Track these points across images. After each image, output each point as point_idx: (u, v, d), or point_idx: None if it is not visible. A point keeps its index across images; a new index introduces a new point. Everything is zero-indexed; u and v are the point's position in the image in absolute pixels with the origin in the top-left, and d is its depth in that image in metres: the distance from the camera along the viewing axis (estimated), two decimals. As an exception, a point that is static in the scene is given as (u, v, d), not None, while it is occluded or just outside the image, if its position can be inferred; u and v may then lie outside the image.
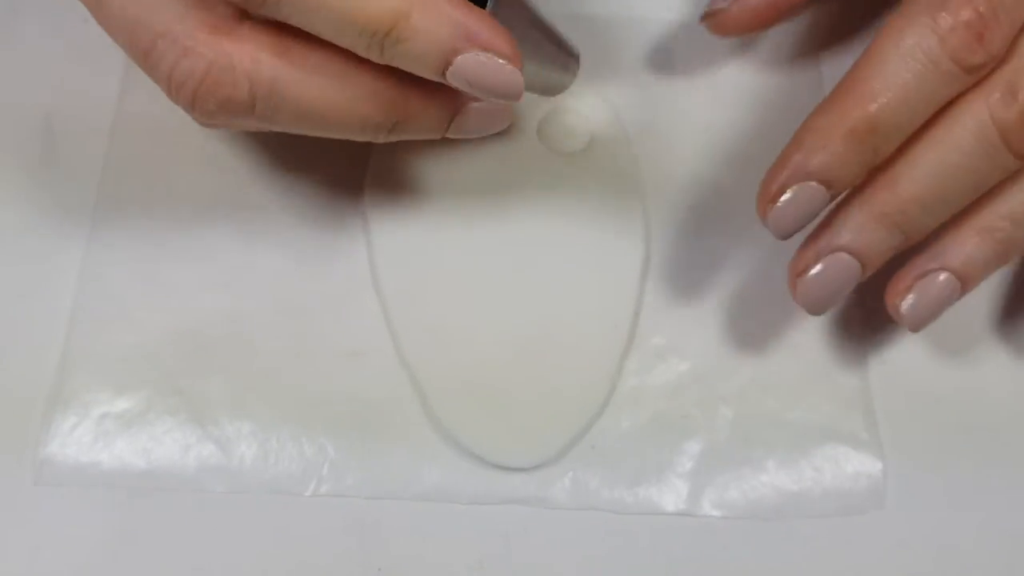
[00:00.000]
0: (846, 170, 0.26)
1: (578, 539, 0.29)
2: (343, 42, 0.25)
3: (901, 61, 0.26)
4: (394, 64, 0.26)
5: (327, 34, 0.25)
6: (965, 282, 0.27)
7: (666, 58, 0.35)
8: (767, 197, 0.27)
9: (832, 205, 0.27)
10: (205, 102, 0.26)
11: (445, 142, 0.31)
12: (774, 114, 0.34)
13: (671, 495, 0.29)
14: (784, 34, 0.36)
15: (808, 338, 0.31)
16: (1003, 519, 0.29)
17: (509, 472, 0.29)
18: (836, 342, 0.31)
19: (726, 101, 0.35)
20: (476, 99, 0.28)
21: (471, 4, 0.26)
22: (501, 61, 0.26)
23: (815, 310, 0.28)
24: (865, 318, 0.32)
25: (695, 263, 0.32)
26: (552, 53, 0.30)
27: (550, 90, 0.31)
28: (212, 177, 0.32)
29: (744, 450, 0.30)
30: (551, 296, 0.31)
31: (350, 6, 0.24)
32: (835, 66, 0.35)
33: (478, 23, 0.25)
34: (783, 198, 0.27)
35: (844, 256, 0.27)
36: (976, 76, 0.26)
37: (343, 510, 0.29)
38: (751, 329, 0.31)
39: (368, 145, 0.33)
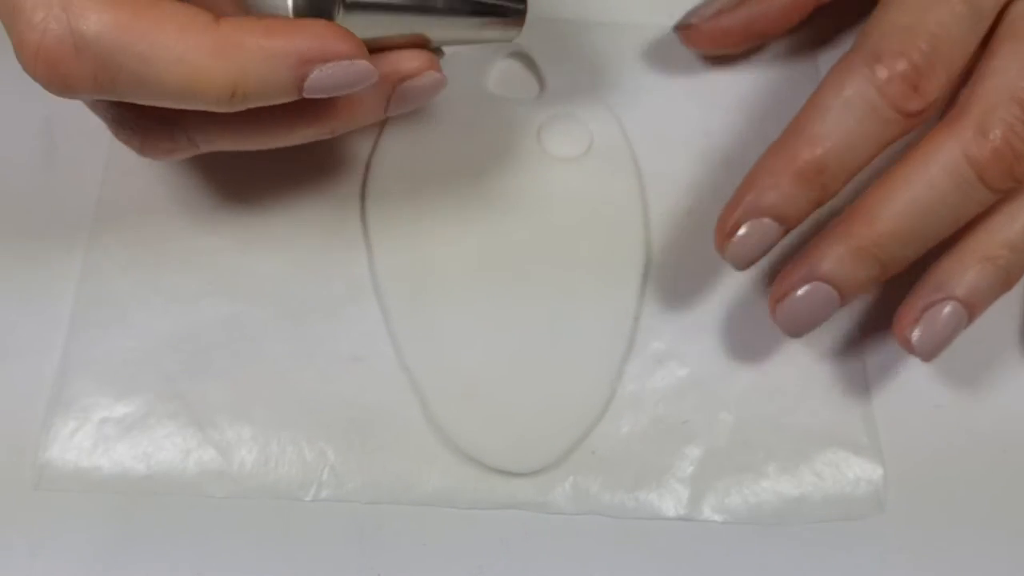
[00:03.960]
0: (796, 207, 0.28)
1: (578, 544, 0.29)
2: (202, 107, 0.25)
3: (844, 109, 0.27)
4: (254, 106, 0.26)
5: (183, 107, 0.25)
6: (971, 310, 0.28)
7: (666, 63, 0.35)
8: (724, 232, 0.29)
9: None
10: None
11: (447, 148, 0.32)
12: (774, 119, 0.34)
13: (671, 500, 0.29)
14: (783, 39, 0.36)
15: (808, 343, 0.31)
16: (1002, 524, 0.29)
17: (509, 477, 0.29)
18: (836, 347, 0.31)
19: (726, 106, 0.35)
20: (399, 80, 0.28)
21: (296, 22, 0.25)
22: (346, 63, 0.25)
23: (794, 332, 0.29)
24: (865, 323, 0.32)
25: (695, 268, 0.32)
26: (480, 8, 0.29)
27: (495, 39, 0.30)
28: (212, 182, 0.32)
29: (744, 455, 0.30)
30: (551, 301, 0.31)
31: (189, 91, 0.24)
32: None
33: (309, 43, 0.25)
34: (739, 233, 0.28)
35: (823, 285, 0.28)
36: (918, 119, 0.28)
37: (343, 515, 0.29)
38: (751, 334, 0.31)
39: (368, 147, 0.33)
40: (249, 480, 0.29)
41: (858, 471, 0.30)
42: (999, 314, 0.32)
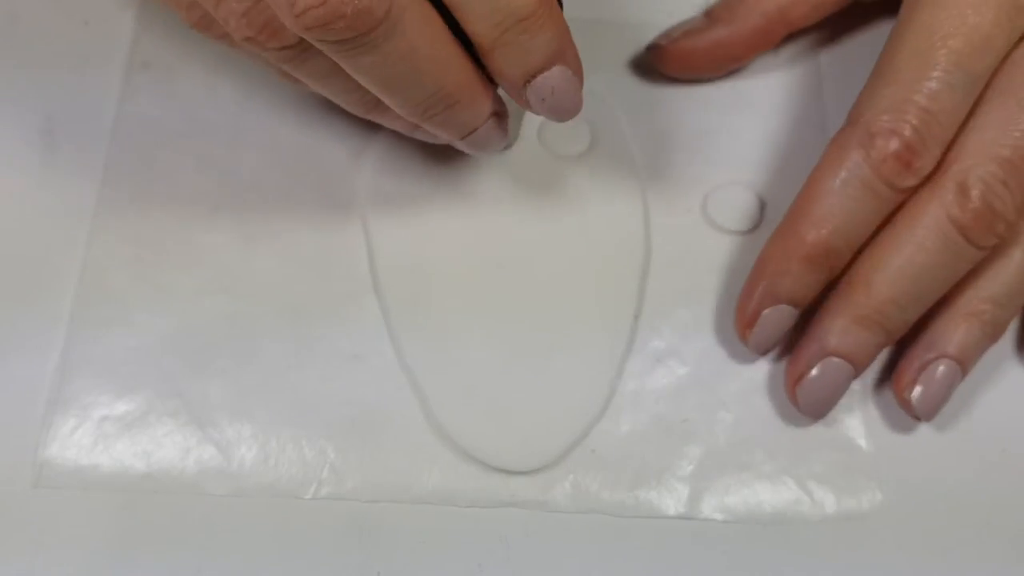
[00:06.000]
0: (807, 289, 0.29)
1: (578, 542, 0.29)
2: (476, 11, 0.25)
3: (843, 190, 0.28)
4: (503, 50, 0.26)
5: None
6: (963, 364, 0.29)
7: (666, 62, 0.35)
8: (744, 322, 0.30)
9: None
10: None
11: (447, 147, 0.32)
12: (774, 117, 0.34)
13: (671, 498, 0.29)
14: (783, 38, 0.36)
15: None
16: (1001, 525, 0.29)
17: (509, 475, 0.29)
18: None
19: (726, 104, 0.35)
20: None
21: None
22: (578, 84, 0.27)
23: (816, 413, 0.30)
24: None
25: (695, 267, 0.32)
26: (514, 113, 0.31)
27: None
28: (212, 181, 0.32)
29: (744, 454, 0.30)
30: (551, 299, 0.31)
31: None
32: (835, 69, 0.35)
33: (572, 44, 0.27)
34: (759, 322, 0.30)
35: (835, 359, 0.29)
36: (912, 191, 0.29)
37: (343, 513, 0.28)
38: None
39: (368, 148, 0.33)
40: (249, 478, 0.29)
41: (857, 470, 0.30)
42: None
